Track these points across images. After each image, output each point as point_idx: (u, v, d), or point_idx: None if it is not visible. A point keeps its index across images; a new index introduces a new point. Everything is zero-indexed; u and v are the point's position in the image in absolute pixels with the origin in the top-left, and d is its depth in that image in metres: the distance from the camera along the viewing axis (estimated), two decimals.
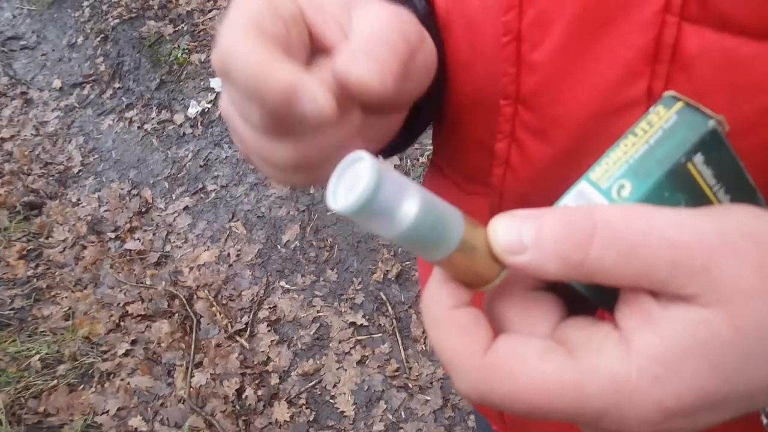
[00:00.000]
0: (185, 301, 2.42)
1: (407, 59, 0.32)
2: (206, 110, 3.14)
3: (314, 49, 0.34)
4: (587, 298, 0.29)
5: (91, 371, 2.30)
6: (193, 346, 2.29)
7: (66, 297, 2.53)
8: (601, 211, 0.26)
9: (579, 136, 0.36)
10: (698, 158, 0.29)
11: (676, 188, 0.29)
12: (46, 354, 2.33)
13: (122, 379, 2.26)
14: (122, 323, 2.42)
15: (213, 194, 2.79)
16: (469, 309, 0.28)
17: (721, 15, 0.31)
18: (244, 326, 2.31)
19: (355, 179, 0.24)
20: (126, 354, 2.32)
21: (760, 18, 0.30)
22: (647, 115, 0.30)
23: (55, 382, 2.26)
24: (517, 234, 0.26)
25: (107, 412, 2.19)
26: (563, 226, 0.26)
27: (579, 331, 0.28)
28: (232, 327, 2.32)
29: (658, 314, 0.26)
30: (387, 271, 2.33)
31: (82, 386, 2.27)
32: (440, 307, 0.28)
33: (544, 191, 0.43)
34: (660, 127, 0.29)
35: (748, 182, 0.31)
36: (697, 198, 0.29)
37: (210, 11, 3.59)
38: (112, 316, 2.44)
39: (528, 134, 0.41)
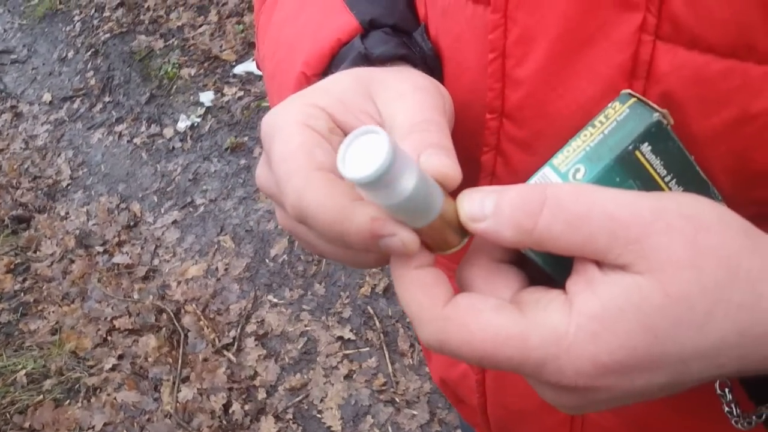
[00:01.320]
0: (173, 316, 2.42)
1: (450, 131, 0.36)
2: (195, 124, 3.16)
3: None
4: (543, 269, 0.33)
5: (77, 386, 2.29)
6: (180, 361, 2.28)
7: (53, 311, 2.52)
8: (553, 187, 0.30)
9: (561, 147, 0.37)
10: (645, 147, 0.32)
11: (627, 174, 0.32)
12: (33, 369, 2.32)
13: (109, 394, 2.25)
14: (109, 337, 2.41)
15: (202, 208, 2.79)
16: (432, 269, 0.32)
17: (691, 34, 0.33)
18: (232, 340, 2.31)
19: (367, 151, 0.26)
20: (113, 368, 2.32)
21: (727, 38, 0.32)
22: (606, 110, 0.34)
23: (41, 397, 2.25)
24: (480, 204, 0.31)
25: (93, 427, 2.18)
26: (518, 197, 0.30)
27: (532, 295, 0.31)
28: (219, 341, 2.31)
29: (599, 279, 0.29)
30: (374, 285, 2.33)
31: (68, 401, 2.26)
32: (407, 267, 0.32)
33: None
34: (614, 119, 0.33)
35: (700, 175, 0.34)
36: (648, 185, 0.33)
37: (200, 26, 3.61)
38: (99, 330, 2.43)
39: (513, 146, 0.43)
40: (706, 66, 0.33)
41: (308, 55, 0.46)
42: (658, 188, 0.33)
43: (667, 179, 0.33)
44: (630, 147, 0.32)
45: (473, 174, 0.47)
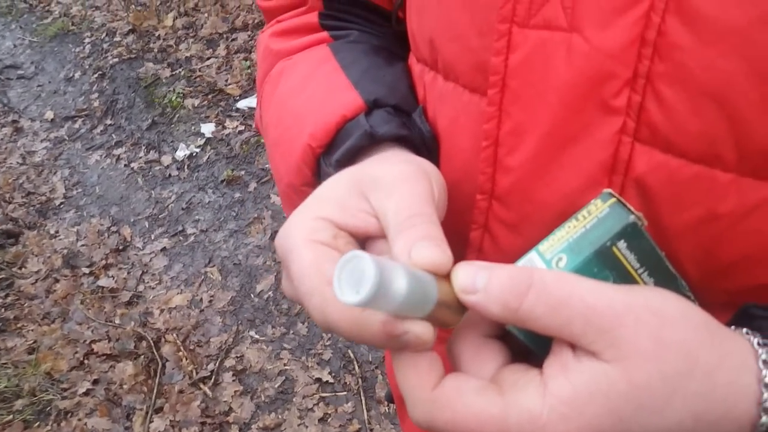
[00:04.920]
0: (152, 344, 2.40)
1: (440, 218, 0.39)
2: (194, 154, 3.18)
3: (358, 239, 0.40)
4: (525, 345, 0.36)
5: (48, 408, 2.26)
6: (155, 391, 2.26)
7: (32, 330, 2.50)
8: (539, 272, 0.33)
9: (546, 230, 0.40)
10: (622, 244, 0.36)
11: (604, 266, 0.36)
12: (5, 387, 2.29)
13: (80, 419, 2.22)
14: (86, 361, 2.39)
15: (192, 238, 2.80)
16: (427, 354, 0.34)
17: (666, 140, 0.37)
18: (209, 374, 2.29)
19: (357, 274, 0.29)
20: (86, 393, 2.29)
21: (697, 146, 0.36)
22: (588, 205, 0.38)
23: (11, 417, 2.22)
24: (473, 278, 0.33)
25: None
26: (508, 278, 0.33)
27: (512, 374, 0.34)
28: (197, 373, 2.30)
29: (572, 365, 0.32)
30: None
31: (37, 423, 2.22)
32: (405, 353, 0.35)
33: None
34: (596, 216, 0.37)
35: (669, 270, 0.38)
36: (623, 277, 0.36)
37: (208, 59, 3.67)
38: (76, 353, 2.41)
39: (500, 226, 0.46)
40: (679, 169, 0.37)
41: (314, 128, 0.49)
42: (632, 280, 0.37)
43: (640, 272, 0.37)
44: (608, 243, 0.36)
45: (461, 248, 0.50)
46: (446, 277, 0.35)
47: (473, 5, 0.43)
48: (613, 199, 0.37)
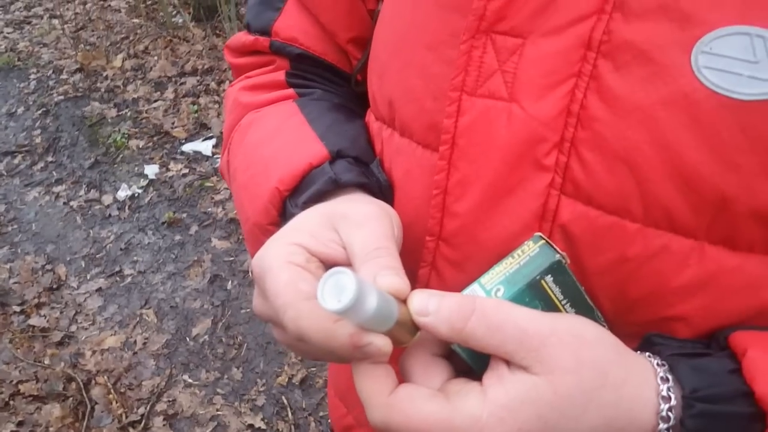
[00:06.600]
0: (82, 386, 2.36)
1: (399, 249, 0.45)
2: (136, 195, 3.18)
3: (327, 265, 0.45)
4: (468, 364, 0.42)
5: None
6: None
7: None
8: (481, 300, 0.40)
9: (485, 268, 0.45)
10: (549, 278, 0.43)
11: (534, 297, 0.43)
12: None
13: None
14: (12, 402, 2.33)
15: (129, 279, 2.78)
16: (383, 365, 0.40)
17: (587, 194, 0.44)
18: (140, 418, 2.26)
19: (339, 286, 0.35)
20: None
21: (611, 200, 0.43)
22: (522, 246, 0.45)
23: None
24: (425, 303, 0.40)
25: None
26: (455, 303, 0.39)
27: (456, 385, 0.40)
28: (126, 417, 2.27)
29: (507, 377, 0.38)
30: (292, 375, 2.35)
31: None
32: (364, 362, 0.40)
33: None
34: (528, 255, 0.44)
35: (587, 302, 0.45)
36: (549, 306, 0.43)
37: (156, 101, 3.70)
38: (2, 393, 2.34)
39: (446, 264, 0.52)
40: (597, 219, 0.44)
41: (283, 174, 0.56)
42: (557, 309, 0.44)
43: (563, 303, 0.44)
44: (537, 277, 0.43)
45: (411, 283, 0.56)
46: (403, 302, 0.41)
47: (428, 74, 0.50)
48: (543, 241, 0.44)
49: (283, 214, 0.57)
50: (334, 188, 0.53)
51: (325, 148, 0.56)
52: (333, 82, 0.69)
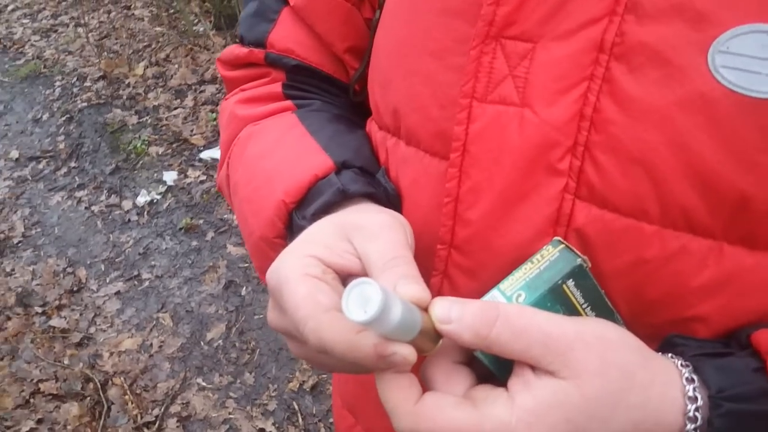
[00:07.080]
0: (99, 386, 2.44)
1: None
2: (155, 201, 3.26)
3: (342, 276, 0.45)
4: (491, 371, 0.42)
5: None
6: None
7: None
8: (504, 306, 0.39)
9: (499, 275, 0.45)
10: (570, 283, 0.43)
11: (556, 301, 0.42)
12: None
13: None
14: (32, 400, 2.41)
15: (147, 283, 2.86)
16: (407, 374, 0.40)
17: (602, 197, 0.44)
18: (154, 419, 2.33)
19: (364, 297, 0.34)
20: None
21: (627, 203, 0.43)
22: (542, 250, 0.44)
23: None
24: (448, 310, 0.39)
25: None
26: (478, 310, 0.39)
27: (482, 392, 0.40)
28: (141, 418, 2.33)
29: (533, 382, 0.38)
30: (303, 381, 2.40)
31: None
32: (388, 372, 0.40)
33: None
34: (548, 259, 0.44)
35: (608, 305, 0.45)
36: (571, 311, 0.43)
37: (175, 109, 3.78)
38: (23, 391, 2.42)
39: (459, 272, 0.51)
40: (612, 222, 0.44)
41: (288, 186, 0.55)
42: (578, 313, 0.43)
43: (584, 307, 0.44)
44: (559, 282, 0.42)
45: None
46: (424, 310, 0.40)
47: (434, 82, 0.49)
48: (562, 245, 0.44)
49: (289, 227, 0.56)
50: (341, 199, 0.53)
51: (330, 159, 0.55)
52: (330, 93, 0.68)
